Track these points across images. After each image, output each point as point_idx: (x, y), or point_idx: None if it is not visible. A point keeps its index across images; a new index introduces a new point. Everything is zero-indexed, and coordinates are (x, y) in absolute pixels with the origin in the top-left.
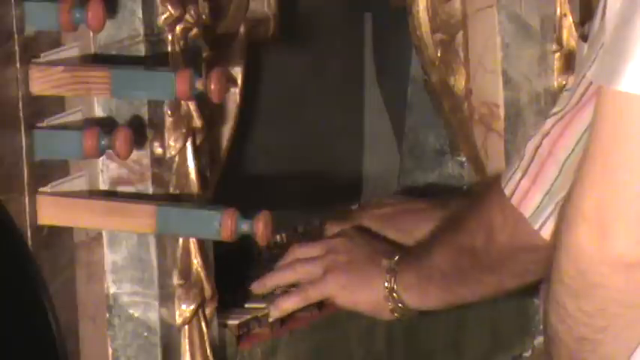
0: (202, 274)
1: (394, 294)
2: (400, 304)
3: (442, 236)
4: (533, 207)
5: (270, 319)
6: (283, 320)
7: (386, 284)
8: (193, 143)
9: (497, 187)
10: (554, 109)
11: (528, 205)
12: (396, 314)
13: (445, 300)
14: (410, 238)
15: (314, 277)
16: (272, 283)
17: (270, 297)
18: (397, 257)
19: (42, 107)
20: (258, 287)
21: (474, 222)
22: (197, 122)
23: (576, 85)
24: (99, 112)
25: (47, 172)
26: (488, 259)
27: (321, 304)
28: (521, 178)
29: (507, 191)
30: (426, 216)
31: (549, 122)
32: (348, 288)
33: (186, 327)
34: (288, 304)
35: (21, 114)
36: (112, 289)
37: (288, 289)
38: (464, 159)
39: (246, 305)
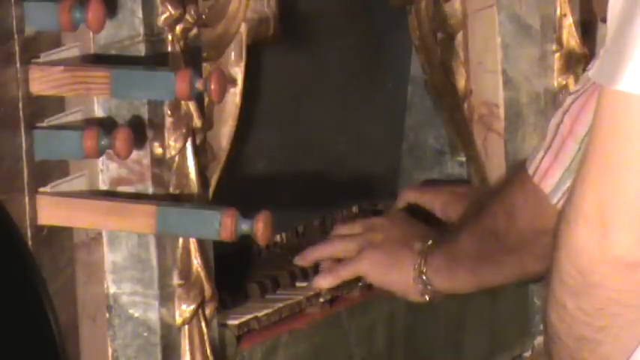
0: (202, 274)
1: (423, 276)
2: (429, 286)
3: (469, 220)
4: (553, 183)
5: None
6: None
7: (416, 266)
8: (193, 143)
9: (522, 170)
10: (575, 88)
11: (549, 182)
12: (425, 296)
13: (472, 283)
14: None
15: (350, 253)
16: (312, 257)
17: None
18: (430, 241)
19: (42, 107)
20: (300, 260)
21: (497, 205)
22: (197, 122)
23: None
24: (99, 112)
25: (47, 172)
26: (509, 242)
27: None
28: (543, 156)
29: (531, 170)
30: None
31: (569, 99)
32: (380, 267)
33: (186, 327)
34: (323, 283)
35: (21, 114)
36: (112, 289)
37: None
38: (464, 159)
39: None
